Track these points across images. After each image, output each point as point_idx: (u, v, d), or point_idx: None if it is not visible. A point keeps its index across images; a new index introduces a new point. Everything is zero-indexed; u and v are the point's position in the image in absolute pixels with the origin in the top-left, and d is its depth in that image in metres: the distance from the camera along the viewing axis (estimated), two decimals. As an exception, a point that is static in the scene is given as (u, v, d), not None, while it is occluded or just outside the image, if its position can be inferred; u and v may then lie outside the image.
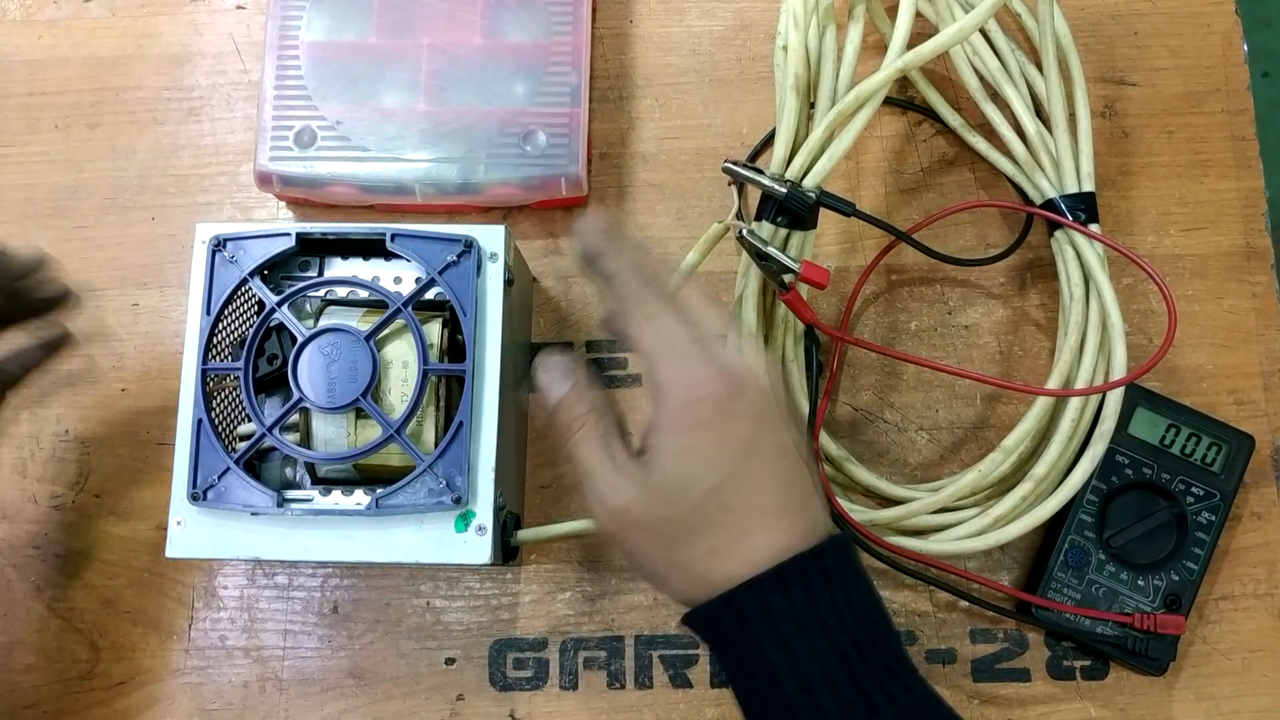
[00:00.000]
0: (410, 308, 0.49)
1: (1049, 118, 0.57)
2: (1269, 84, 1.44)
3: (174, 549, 0.49)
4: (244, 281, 0.50)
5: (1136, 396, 0.57)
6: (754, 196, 0.55)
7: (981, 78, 0.59)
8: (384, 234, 0.50)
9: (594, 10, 0.63)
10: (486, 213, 0.61)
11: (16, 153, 0.63)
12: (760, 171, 0.53)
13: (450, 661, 0.56)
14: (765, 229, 0.53)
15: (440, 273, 0.49)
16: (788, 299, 0.52)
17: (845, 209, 0.53)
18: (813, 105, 0.55)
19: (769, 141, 0.62)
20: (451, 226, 0.50)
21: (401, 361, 0.49)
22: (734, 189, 0.57)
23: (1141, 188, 0.61)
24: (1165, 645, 0.54)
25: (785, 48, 0.53)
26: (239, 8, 0.65)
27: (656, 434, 0.39)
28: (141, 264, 0.61)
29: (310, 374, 0.48)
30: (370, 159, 0.58)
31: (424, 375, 0.48)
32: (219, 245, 0.50)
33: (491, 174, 0.58)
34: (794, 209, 0.52)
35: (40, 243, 0.61)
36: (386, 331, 0.49)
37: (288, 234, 0.50)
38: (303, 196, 0.60)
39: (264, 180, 0.59)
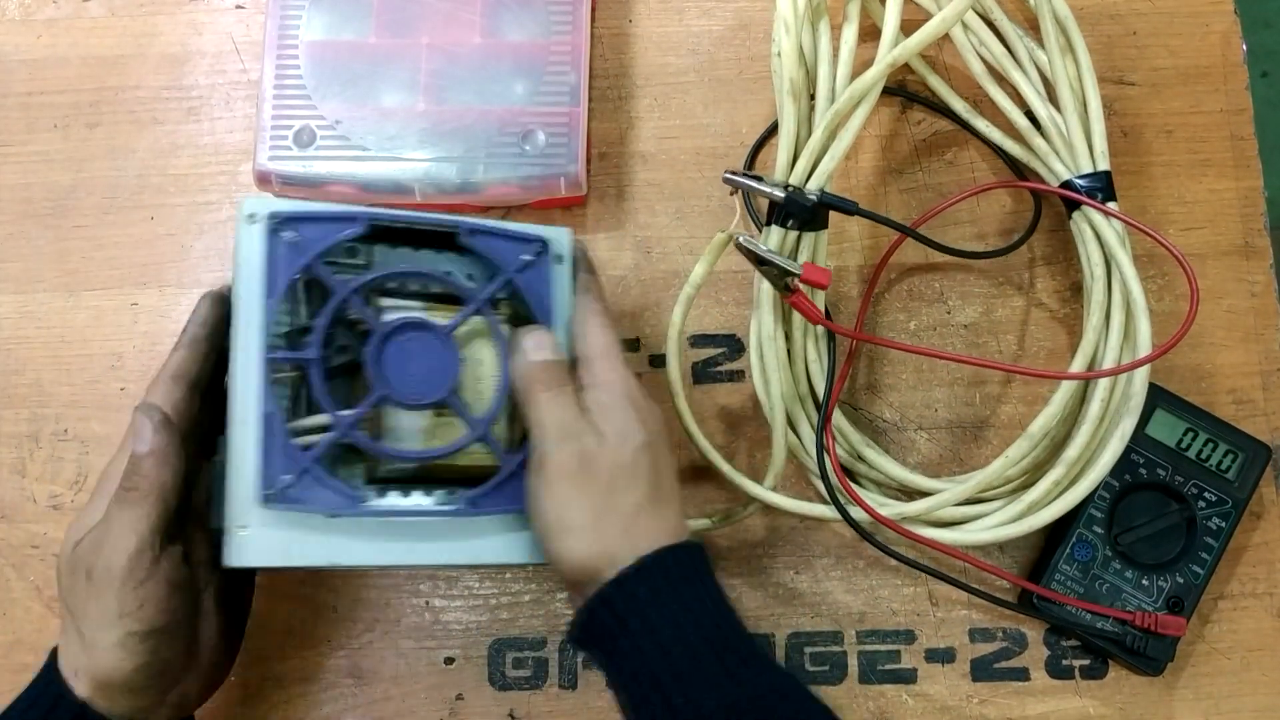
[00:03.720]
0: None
1: (1058, 99, 0.57)
2: (1268, 84, 1.44)
3: (240, 557, 0.44)
4: (308, 267, 0.45)
5: (1157, 398, 0.56)
6: (764, 199, 0.55)
7: (989, 65, 0.59)
8: (456, 227, 0.47)
9: (593, 10, 0.63)
10: (485, 212, 0.61)
11: (16, 152, 0.63)
12: (759, 179, 0.53)
13: (449, 661, 0.56)
14: (775, 233, 0.53)
15: (518, 272, 0.48)
16: (794, 301, 0.52)
17: (848, 208, 0.53)
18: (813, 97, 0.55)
19: (768, 135, 0.62)
20: (523, 225, 0.48)
21: (475, 359, 0.47)
22: (737, 197, 0.56)
23: (1140, 187, 0.61)
24: (1164, 645, 0.54)
25: (779, 54, 0.53)
26: (238, 7, 0.65)
27: (598, 404, 0.46)
28: (140, 264, 0.61)
29: (393, 368, 0.45)
30: (369, 158, 0.58)
31: (507, 375, 0.47)
32: (279, 224, 0.45)
33: (491, 173, 0.58)
34: (798, 212, 0.52)
35: (39, 243, 0.61)
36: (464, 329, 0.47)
37: (355, 218, 0.46)
38: (302, 196, 0.60)
39: (263, 180, 0.59)
